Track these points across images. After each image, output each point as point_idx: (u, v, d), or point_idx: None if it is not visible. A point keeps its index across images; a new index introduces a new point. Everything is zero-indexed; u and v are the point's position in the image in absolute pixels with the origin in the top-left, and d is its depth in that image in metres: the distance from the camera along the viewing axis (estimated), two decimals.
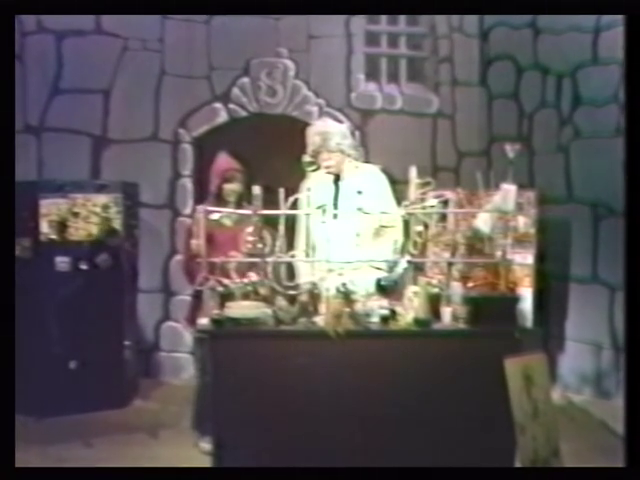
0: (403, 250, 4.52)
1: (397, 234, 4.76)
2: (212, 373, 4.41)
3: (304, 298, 4.35)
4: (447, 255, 4.66)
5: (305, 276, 4.64)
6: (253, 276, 4.38)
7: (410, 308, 4.31)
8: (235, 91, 7.22)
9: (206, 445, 4.90)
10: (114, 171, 6.92)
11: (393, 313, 4.32)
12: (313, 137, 4.93)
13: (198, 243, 4.47)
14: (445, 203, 5.00)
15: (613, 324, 6.30)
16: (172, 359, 7.16)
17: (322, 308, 4.32)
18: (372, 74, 7.47)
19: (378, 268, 4.66)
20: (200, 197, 6.21)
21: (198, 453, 5.06)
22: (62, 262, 6.14)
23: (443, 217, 4.97)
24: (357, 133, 7.22)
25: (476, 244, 4.50)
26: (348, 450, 4.17)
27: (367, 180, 5.00)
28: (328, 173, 4.99)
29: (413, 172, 4.47)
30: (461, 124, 7.60)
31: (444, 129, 7.57)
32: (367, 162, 5.74)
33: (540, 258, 6.27)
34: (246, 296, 4.37)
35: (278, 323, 4.32)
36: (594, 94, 6.44)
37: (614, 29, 5.94)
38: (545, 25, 6.88)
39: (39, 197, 6.11)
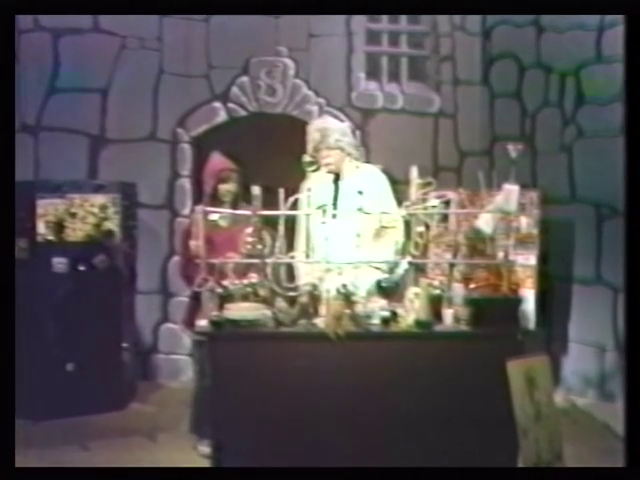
0: (404, 251, 4.52)
1: (398, 235, 4.76)
2: (211, 375, 4.41)
3: (304, 299, 4.35)
4: (448, 256, 4.66)
5: (305, 277, 4.64)
6: (252, 277, 4.38)
7: (411, 310, 4.32)
8: (234, 90, 7.22)
9: (205, 448, 4.91)
10: (112, 171, 6.92)
11: (394, 315, 4.32)
12: (312, 134, 4.95)
13: (197, 244, 4.47)
14: (447, 203, 5.01)
15: (617, 326, 6.29)
16: (170, 361, 7.16)
17: (322, 310, 4.32)
18: (373, 73, 7.48)
19: (378, 268, 4.66)
20: (199, 197, 6.20)
21: (197, 456, 5.06)
22: (59, 263, 6.14)
23: (445, 218, 4.98)
24: (358, 133, 7.22)
25: (478, 245, 4.50)
26: (349, 453, 4.17)
27: (368, 180, 5.00)
28: (328, 172, 4.99)
29: (414, 172, 4.47)
30: (463, 123, 7.60)
31: (446, 129, 7.57)
32: (368, 162, 5.75)
33: (543, 259, 6.27)
34: (245, 298, 4.37)
35: (278, 325, 4.32)
36: (598, 93, 6.44)
37: (617, 27, 5.93)
38: (548, 23, 6.88)
39: (36, 197, 6.11)
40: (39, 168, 6.92)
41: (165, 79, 7.14)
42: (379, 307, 4.36)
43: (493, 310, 4.29)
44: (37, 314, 6.05)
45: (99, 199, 6.29)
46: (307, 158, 4.76)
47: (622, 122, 6.05)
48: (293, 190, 4.49)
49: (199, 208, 4.55)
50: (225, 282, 4.35)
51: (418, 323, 4.28)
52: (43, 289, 6.10)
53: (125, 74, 7.06)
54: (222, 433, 4.31)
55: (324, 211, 4.58)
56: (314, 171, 4.97)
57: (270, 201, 4.35)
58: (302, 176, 4.99)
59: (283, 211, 4.34)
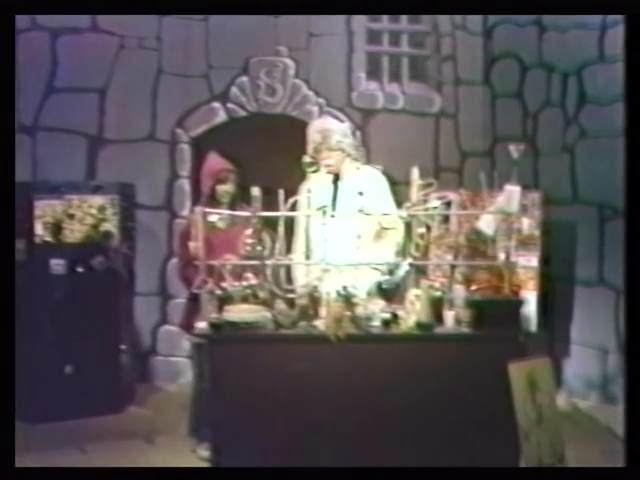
0: (405, 252, 4.52)
1: (398, 236, 4.77)
2: (210, 378, 4.42)
3: (304, 301, 4.36)
4: (450, 257, 4.67)
5: (303, 279, 4.64)
6: (252, 279, 4.39)
7: (412, 311, 4.32)
8: (234, 90, 7.22)
9: (204, 452, 4.91)
10: (110, 172, 6.92)
11: (395, 317, 4.33)
12: (313, 135, 4.94)
13: (196, 245, 4.47)
14: (448, 204, 5.02)
15: (619, 328, 6.29)
16: (169, 364, 7.16)
17: (322, 311, 4.33)
18: (373, 73, 7.47)
19: (379, 270, 4.66)
20: (198, 198, 6.21)
21: (195, 459, 5.06)
22: (57, 265, 6.14)
23: (446, 219, 4.99)
24: (358, 133, 7.22)
25: (479, 246, 4.51)
26: (349, 455, 4.17)
27: (368, 181, 5.00)
28: (328, 172, 5.00)
29: (415, 173, 4.48)
30: (464, 124, 7.60)
31: (447, 129, 7.57)
32: (368, 162, 5.74)
33: (545, 261, 6.26)
34: (245, 299, 4.37)
35: (277, 327, 4.33)
36: (600, 92, 6.43)
37: (620, 26, 5.92)
38: (550, 23, 6.88)
39: (34, 198, 6.11)
40: (37, 169, 6.91)
41: (164, 79, 7.15)
42: (380, 309, 4.37)
43: (494, 312, 4.29)
44: (35, 316, 6.05)
45: (97, 200, 6.29)
46: (307, 159, 4.77)
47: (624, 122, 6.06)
48: (293, 191, 4.50)
49: (198, 209, 4.56)
50: (224, 284, 4.35)
51: (419, 325, 4.29)
52: (41, 291, 6.10)
53: (124, 74, 7.06)
54: (221, 436, 4.32)
55: (324, 212, 4.58)
56: (314, 172, 4.98)
57: (270, 202, 4.35)
58: (302, 177, 4.99)
59: (283, 212, 4.35)
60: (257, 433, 4.23)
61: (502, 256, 4.42)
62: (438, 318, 4.35)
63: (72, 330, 6.12)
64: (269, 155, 6.69)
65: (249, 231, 4.37)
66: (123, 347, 6.44)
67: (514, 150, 4.41)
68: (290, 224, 4.56)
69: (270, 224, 4.41)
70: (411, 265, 4.46)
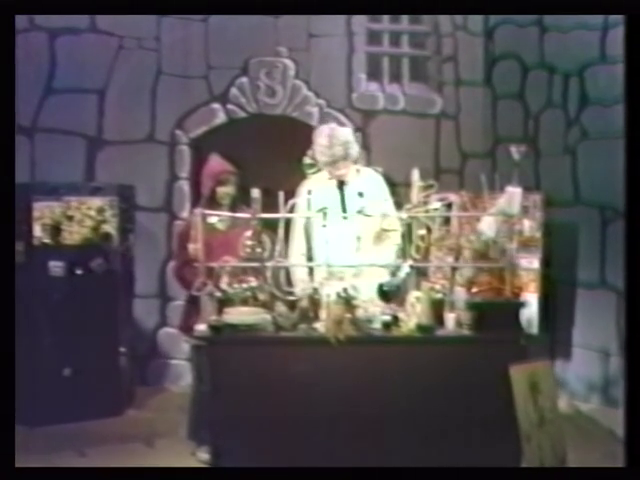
0: (405, 254, 4.53)
1: (399, 238, 4.77)
2: (210, 381, 4.42)
3: (304, 304, 4.37)
4: (450, 259, 4.67)
5: (303, 282, 4.63)
6: (252, 281, 4.39)
7: (413, 314, 4.33)
8: (233, 91, 7.23)
9: (204, 455, 4.92)
10: (109, 173, 6.93)
11: (395, 319, 4.34)
12: (335, 147, 4.89)
13: (195, 247, 4.47)
14: (448, 206, 5.03)
15: (621, 330, 6.29)
16: (169, 366, 7.16)
17: (323, 314, 4.33)
18: (374, 74, 7.48)
19: (379, 272, 4.67)
20: (198, 200, 6.21)
21: (195, 462, 5.06)
22: (56, 267, 6.14)
23: (446, 220, 5.00)
24: (358, 134, 7.23)
25: (480, 248, 4.51)
26: (349, 458, 4.18)
27: (368, 183, 5.01)
28: (337, 179, 5.00)
29: (416, 174, 4.49)
30: (465, 125, 7.60)
31: (447, 130, 7.58)
32: (369, 164, 5.76)
33: (546, 262, 6.27)
34: (245, 302, 4.38)
35: (277, 329, 4.33)
36: (602, 93, 6.44)
37: (621, 26, 5.93)
38: (551, 23, 6.89)
39: (32, 200, 6.11)
40: (35, 170, 6.91)
41: (163, 80, 7.15)
42: (380, 311, 4.37)
43: (496, 314, 4.30)
44: (33, 318, 6.05)
45: (96, 202, 6.29)
46: (307, 160, 4.78)
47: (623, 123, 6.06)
48: (293, 193, 4.50)
49: (198, 211, 4.56)
50: (224, 286, 4.36)
51: (420, 327, 4.29)
52: (39, 293, 6.10)
53: (123, 75, 7.06)
54: (221, 439, 4.32)
55: (325, 214, 4.58)
56: (314, 173, 4.99)
57: (270, 204, 4.36)
58: (302, 178, 5.00)
59: (283, 214, 4.35)
60: (257, 436, 4.24)
61: (503, 258, 4.42)
62: (439, 320, 4.36)
63: (71, 332, 6.12)
64: (269, 156, 6.70)
65: (249, 233, 4.38)
66: (122, 349, 6.44)
67: (515, 151, 4.42)
68: (289, 226, 4.55)
69: (270, 226, 4.42)
70: (412, 267, 4.47)
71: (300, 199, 4.72)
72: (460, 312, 4.35)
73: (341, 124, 5.55)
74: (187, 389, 5.90)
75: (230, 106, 7.24)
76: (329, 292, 4.32)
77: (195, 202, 6.43)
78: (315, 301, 4.38)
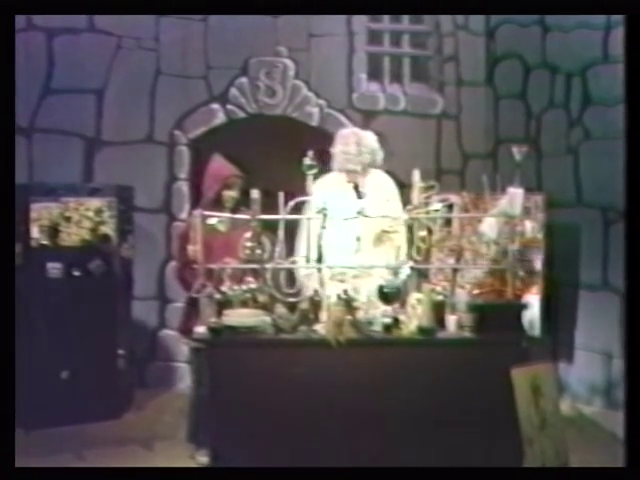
0: (406, 256, 4.53)
1: (400, 239, 4.77)
2: (209, 383, 4.42)
3: (304, 305, 4.37)
4: (452, 261, 4.68)
5: (311, 283, 4.61)
6: (251, 282, 4.39)
7: (413, 316, 4.33)
8: (233, 91, 7.23)
9: (203, 458, 4.91)
10: (108, 174, 6.93)
11: (396, 321, 4.34)
12: (363, 155, 4.90)
13: (195, 249, 4.47)
14: (450, 207, 5.03)
15: (624, 332, 6.29)
16: (168, 369, 7.17)
17: (323, 316, 4.34)
18: (374, 74, 7.48)
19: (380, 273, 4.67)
20: (197, 201, 6.21)
21: (194, 466, 5.06)
22: (54, 268, 6.14)
23: (448, 222, 5.01)
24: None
25: (481, 249, 4.52)
26: (349, 461, 4.18)
27: (381, 186, 5.03)
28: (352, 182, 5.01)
29: (417, 175, 4.49)
30: (466, 125, 7.61)
31: (449, 130, 7.58)
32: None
33: (548, 264, 6.27)
34: (244, 303, 4.38)
35: (277, 331, 4.34)
36: (605, 93, 6.43)
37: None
38: (553, 22, 6.89)
39: (30, 201, 6.11)
40: (33, 171, 6.91)
41: (162, 80, 7.15)
42: (381, 313, 4.38)
43: (497, 316, 4.30)
44: (31, 320, 6.05)
45: (95, 203, 6.29)
46: (307, 161, 4.77)
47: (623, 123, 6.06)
48: (293, 194, 4.50)
49: (197, 212, 4.56)
50: (223, 288, 4.36)
51: (421, 330, 4.30)
52: (37, 295, 6.10)
53: (121, 75, 7.06)
54: (220, 442, 4.32)
55: (325, 215, 4.57)
56: (314, 174, 4.98)
57: (270, 205, 4.36)
58: (302, 179, 4.99)
59: (283, 215, 4.35)
60: (256, 439, 4.24)
61: (505, 259, 4.43)
62: (440, 322, 4.36)
63: (69, 335, 6.11)
64: (269, 157, 6.69)
65: (248, 234, 4.38)
66: (121, 352, 6.44)
67: (517, 152, 4.42)
68: (291, 227, 4.55)
69: (270, 227, 4.42)
70: (412, 268, 4.47)
71: (315, 199, 4.73)
72: (461, 314, 4.35)
73: (363, 129, 5.42)
74: (186, 392, 5.90)
75: (230, 106, 7.25)
76: (330, 294, 4.33)
77: (194, 203, 6.44)
78: (315, 303, 4.38)
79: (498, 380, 4.10)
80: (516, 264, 4.44)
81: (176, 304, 6.85)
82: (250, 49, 7.16)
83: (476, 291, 4.47)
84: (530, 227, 6.03)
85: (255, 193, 4.34)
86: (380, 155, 5.01)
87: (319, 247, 4.79)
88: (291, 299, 4.40)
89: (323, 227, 4.61)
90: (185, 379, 6.63)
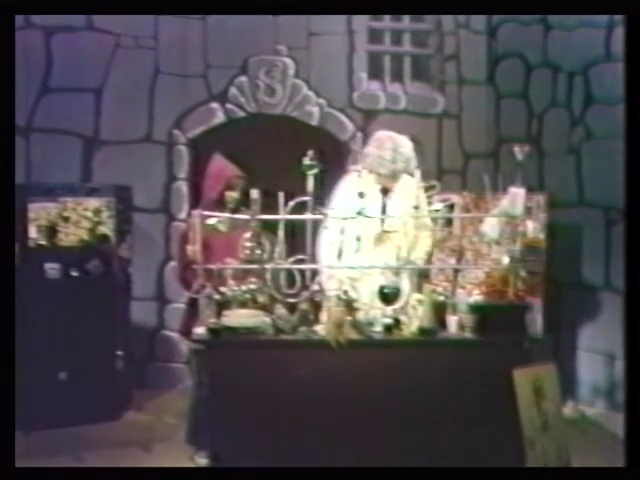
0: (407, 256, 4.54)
1: (401, 239, 4.77)
2: (208, 385, 4.42)
3: (304, 306, 4.37)
4: (453, 261, 4.68)
5: (331, 282, 4.61)
6: (251, 283, 4.39)
7: (414, 316, 4.33)
8: (232, 90, 7.23)
9: (202, 459, 4.92)
10: (106, 174, 6.93)
11: (397, 322, 4.34)
12: (398, 163, 4.89)
13: (194, 249, 4.48)
14: (451, 207, 5.04)
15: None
16: (167, 370, 7.17)
17: (323, 316, 4.34)
18: (375, 73, 7.49)
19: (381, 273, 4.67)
20: (196, 201, 6.21)
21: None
22: (52, 269, 6.13)
23: (449, 222, 5.01)
24: (359, 134, 7.25)
25: (483, 250, 4.52)
26: (350, 462, 4.18)
27: (409, 191, 5.03)
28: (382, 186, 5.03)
29: (417, 175, 4.49)
30: (468, 125, 7.62)
31: (450, 130, 7.59)
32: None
33: (550, 264, 6.27)
34: (244, 304, 4.38)
35: (277, 332, 4.34)
36: (607, 92, 6.43)
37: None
38: (555, 21, 6.89)
39: (27, 201, 6.11)
40: (31, 171, 6.90)
41: (161, 79, 7.15)
42: (381, 314, 4.38)
43: (499, 317, 4.31)
44: (28, 321, 6.03)
45: (93, 203, 6.30)
46: (307, 161, 4.77)
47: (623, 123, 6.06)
48: (293, 193, 4.50)
49: (196, 212, 4.56)
50: (223, 288, 4.36)
51: (421, 330, 4.30)
52: (35, 295, 6.08)
53: (120, 73, 7.06)
54: (220, 443, 4.32)
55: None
56: (314, 174, 4.98)
57: (269, 205, 4.36)
58: (302, 179, 4.99)
59: (283, 215, 4.35)
60: (256, 441, 4.24)
61: (506, 260, 4.43)
62: (441, 323, 4.36)
63: (67, 336, 6.11)
64: (268, 157, 6.69)
65: (248, 234, 4.39)
66: (119, 353, 6.43)
67: (519, 151, 4.42)
68: (291, 227, 4.54)
69: (270, 227, 4.42)
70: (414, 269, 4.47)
71: (345, 198, 4.74)
72: (462, 315, 4.35)
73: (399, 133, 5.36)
74: (185, 393, 5.90)
75: (229, 105, 7.25)
76: (330, 295, 4.33)
77: (194, 203, 6.44)
78: (316, 304, 4.38)
79: (500, 381, 4.10)
80: (518, 265, 4.44)
81: (175, 305, 6.86)
82: (250, 48, 7.16)
83: (477, 292, 4.47)
84: (532, 227, 6.02)
85: (255, 193, 4.34)
86: (414, 163, 4.95)
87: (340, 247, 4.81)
88: (291, 299, 4.40)
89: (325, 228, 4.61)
90: (184, 380, 6.64)
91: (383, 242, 4.93)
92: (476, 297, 4.46)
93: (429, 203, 4.60)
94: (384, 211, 4.93)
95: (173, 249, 6.65)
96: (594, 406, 6.51)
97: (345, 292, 4.30)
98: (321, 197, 4.62)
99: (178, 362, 7.04)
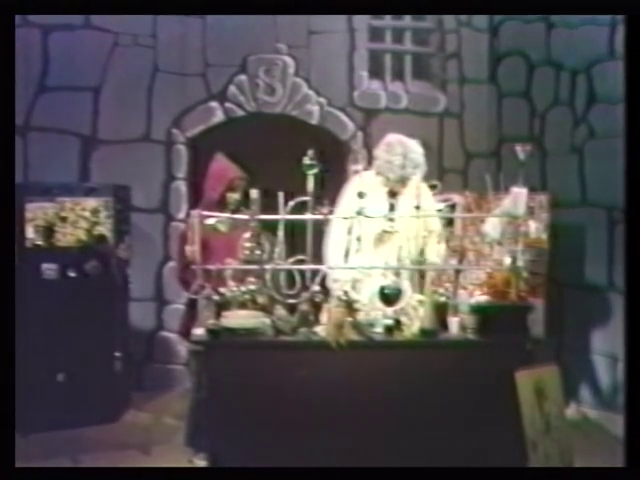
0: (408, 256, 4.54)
1: (403, 240, 4.78)
2: (208, 386, 4.43)
3: (304, 307, 4.37)
4: (454, 262, 4.68)
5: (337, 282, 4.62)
6: (251, 283, 4.39)
7: (415, 317, 4.34)
8: (232, 89, 7.24)
9: (201, 462, 4.92)
10: (104, 173, 6.93)
11: (397, 323, 4.34)
12: (407, 169, 4.90)
13: (192, 249, 4.48)
14: (452, 207, 5.04)
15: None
16: (166, 371, 7.17)
17: (323, 317, 4.34)
18: (376, 71, 7.49)
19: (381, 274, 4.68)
20: (195, 201, 6.21)
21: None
22: (49, 269, 6.14)
23: (450, 222, 5.00)
24: (360, 133, 7.25)
25: (484, 250, 4.52)
26: (350, 463, 4.18)
27: (409, 194, 5.04)
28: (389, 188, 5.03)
29: (418, 174, 4.49)
30: (469, 124, 7.62)
31: (451, 129, 7.59)
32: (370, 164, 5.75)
33: (552, 265, 6.27)
34: (243, 305, 4.39)
35: (277, 333, 4.34)
36: (610, 91, 6.43)
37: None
38: (558, 19, 6.89)
39: (25, 201, 6.11)
40: (28, 170, 6.89)
41: (160, 77, 7.15)
42: (382, 315, 4.38)
43: (501, 318, 4.31)
44: (26, 322, 6.03)
45: (91, 202, 6.30)
46: (307, 160, 4.78)
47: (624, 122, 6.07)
48: (293, 193, 4.50)
49: (195, 212, 4.57)
50: (222, 289, 4.36)
51: (423, 331, 4.30)
52: (32, 296, 6.09)
53: (118, 72, 7.06)
54: (219, 446, 4.33)
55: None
56: (314, 174, 4.98)
57: (269, 205, 4.37)
58: (302, 179, 4.99)
59: (283, 215, 4.36)
60: (256, 442, 4.24)
61: (508, 260, 4.43)
62: (442, 324, 4.37)
63: (64, 337, 6.11)
64: (268, 156, 6.69)
65: (247, 235, 4.39)
66: (118, 354, 6.44)
67: (521, 151, 4.43)
68: (291, 227, 4.55)
69: (270, 228, 4.43)
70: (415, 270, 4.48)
71: (348, 199, 4.74)
72: (464, 316, 4.36)
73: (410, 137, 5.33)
74: (184, 394, 5.90)
75: (228, 104, 7.25)
76: (330, 295, 4.34)
77: (193, 203, 6.44)
78: (316, 304, 4.39)
79: (502, 383, 4.11)
80: (520, 265, 4.45)
81: (174, 305, 6.87)
82: (249, 46, 7.16)
83: (479, 292, 4.47)
84: (534, 227, 6.04)
85: (254, 193, 4.35)
86: (423, 169, 4.95)
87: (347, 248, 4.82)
88: (291, 300, 4.40)
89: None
90: (183, 382, 6.64)
91: (384, 243, 4.94)
92: (478, 298, 4.46)
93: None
94: (390, 212, 4.94)
95: (172, 249, 6.66)
96: (597, 408, 6.52)
97: (345, 293, 4.31)
98: (321, 197, 4.62)
99: (177, 363, 7.05)
